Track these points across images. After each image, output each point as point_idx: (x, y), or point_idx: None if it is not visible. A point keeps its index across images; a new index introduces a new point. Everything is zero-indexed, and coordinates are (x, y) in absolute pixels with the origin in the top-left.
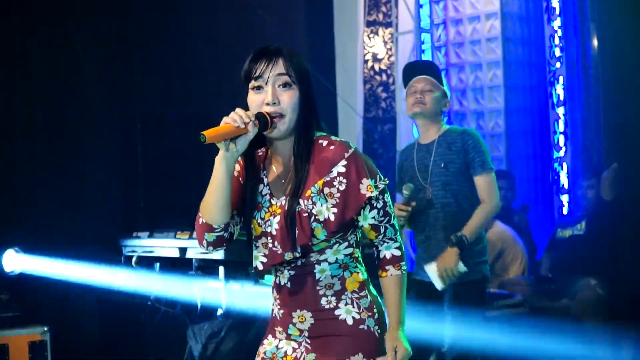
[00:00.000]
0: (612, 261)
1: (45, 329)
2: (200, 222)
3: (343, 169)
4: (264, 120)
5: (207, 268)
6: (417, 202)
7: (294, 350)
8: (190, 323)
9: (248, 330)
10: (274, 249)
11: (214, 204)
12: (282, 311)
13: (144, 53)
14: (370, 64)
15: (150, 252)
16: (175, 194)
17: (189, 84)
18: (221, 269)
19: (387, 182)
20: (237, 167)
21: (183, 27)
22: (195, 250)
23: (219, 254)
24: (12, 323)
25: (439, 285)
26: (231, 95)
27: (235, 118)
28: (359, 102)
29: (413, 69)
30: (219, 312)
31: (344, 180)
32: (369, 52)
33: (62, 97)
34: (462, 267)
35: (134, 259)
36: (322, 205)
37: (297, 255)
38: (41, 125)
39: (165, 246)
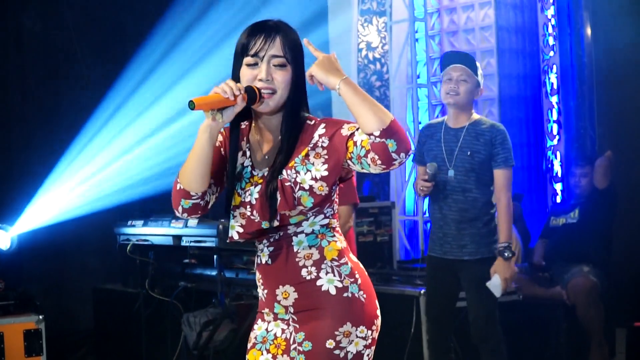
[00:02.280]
0: (605, 249)
1: (40, 317)
2: (177, 188)
3: (323, 130)
4: (252, 95)
5: (201, 256)
6: (439, 181)
7: (283, 331)
8: (184, 311)
9: (243, 318)
10: (252, 217)
11: (193, 172)
12: (266, 291)
13: (139, 41)
14: (364, 52)
15: (145, 240)
16: (170, 182)
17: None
18: (216, 257)
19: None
20: (220, 138)
21: (178, 14)
22: (190, 239)
23: (212, 242)
24: (7, 311)
25: (498, 293)
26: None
27: (225, 89)
28: None
29: (451, 57)
30: (214, 300)
31: (326, 139)
32: (363, 40)
33: (56, 84)
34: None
35: (128, 248)
36: (305, 173)
37: (276, 224)
38: (35, 113)
39: (160, 234)
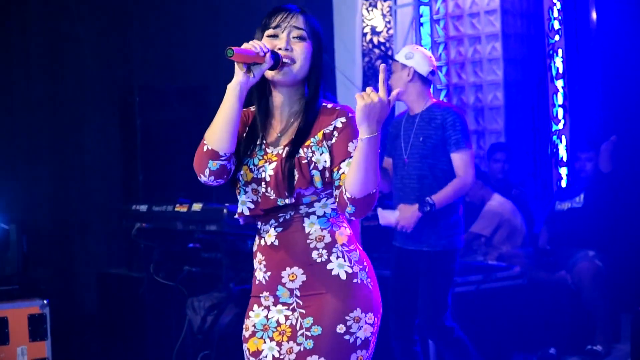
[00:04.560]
0: (610, 233)
1: (45, 302)
2: (205, 150)
3: (340, 125)
4: (276, 57)
5: (206, 240)
6: (397, 171)
7: (287, 317)
8: (189, 296)
9: (247, 302)
10: (266, 194)
11: (222, 130)
12: (269, 273)
13: (142, 26)
14: (369, 37)
15: (149, 225)
16: (174, 167)
17: (188, 57)
18: (220, 241)
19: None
20: (247, 114)
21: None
22: (195, 223)
23: (215, 226)
24: (12, 296)
25: (382, 220)
26: (230, 69)
27: (255, 45)
28: (357, 75)
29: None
30: (219, 284)
31: (336, 134)
32: (367, 25)
33: (60, 70)
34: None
35: (132, 232)
36: (321, 154)
37: (291, 201)
38: (39, 98)
39: (164, 218)
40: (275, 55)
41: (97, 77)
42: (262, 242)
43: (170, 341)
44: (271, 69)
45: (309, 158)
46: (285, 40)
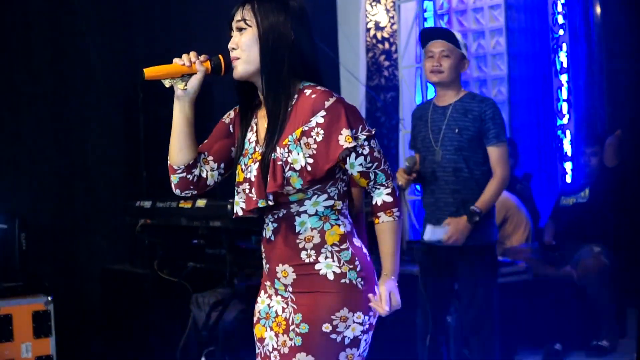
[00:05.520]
0: (615, 228)
1: (49, 298)
2: (168, 165)
3: (322, 120)
4: (216, 62)
5: (210, 237)
6: (427, 164)
7: (284, 310)
8: (193, 292)
9: (252, 298)
10: (250, 195)
11: (172, 145)
12: (267, 265)
13: (146, 22)
14: (372, 32)
15: (153, 221)
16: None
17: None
18: (225, 237)
19: (373, 131)
20: (231, 114)
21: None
22: (199, 219)
23: (219, 222)
24: (16, 293)
25: (428, 236)
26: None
27: (182, 57)
28: (361, 71)
29: (429, 33)
30: (223, 280)
31: (322, 131)
32: (371, 20)
33: (64, 66)
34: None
35: (137, 228)
36: (298, 154)
37: (270, 203)
38: (43, 95)
39: (169, 214)
40: (215, 60)
41: (100, 74)
42: (264, 234)
43: (175, 337)
44: (216, 72)
45: (284, 159)
46: (232, 40)
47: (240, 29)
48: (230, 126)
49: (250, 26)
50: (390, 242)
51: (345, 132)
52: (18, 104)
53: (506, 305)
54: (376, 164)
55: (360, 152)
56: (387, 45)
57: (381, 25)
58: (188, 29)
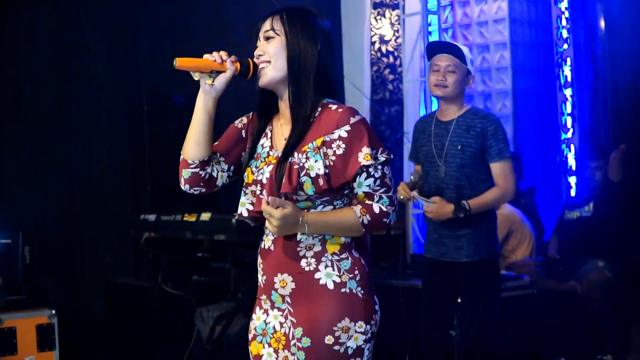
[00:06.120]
0: (620, 243)
1: (53, 312)
2: (180, 159)
3: (345, 134)
4: (245, 64)
5: (215, 250)
6: (431, 179)
7: (282, 325)
8: (197, 305)
9: None
10: (261, 196)
11: (189, 139)
12: (264, 277)
13: (150, 34)
14: (377, 45)
15: (157, 234)
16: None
17: None
18: (229, 250)
19: (391, 156)
20: (245, 120)
21: (190, 8)
22: (204, 233)
23: (223, 236)
24: (20, 306)
25: (419, 201)
26: (238, 77)
27: (214, 54)
28: (366, 84)
29: (436, 47)
30: (227, 294)
31: (343, 145)
32: (376, 34)
33: (69, 78)
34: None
35: (141, 241)
36: (316, 161)
37: None
38: (48, 107)
39: (173, 228)
40: (245, 63)
41: (105, 86)
42: (263, 245)
43: (179, 351)
44: (243, 75)
45: (301, 164)
46: (259, 47)
47: (267, 38)
48: (243, 131)
49: (278, 35)
50: (335, 215)
51: (366, 150)
52: (23, 116)
53: (510, 320)
54: (384, 189)
55: (372, 173)
56: (391, 59)
57: (386, 38)
58: (194, 42)
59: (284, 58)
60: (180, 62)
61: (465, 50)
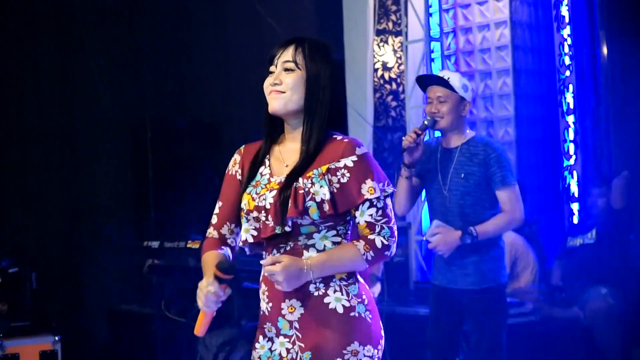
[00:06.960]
0: (623, 270)
1: (57, 338)
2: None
3: (351, 164)
4: (224, 266)
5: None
6: (437, 206)
7: (288, 351)
8: None
9: None
10: (266, 222)
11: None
12: (270, 304)
13: (154, 60)
14: (380, 72)
15: (161, 261)
16: (186, 203)
17: (199, 91)
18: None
19: (394, 189)
20: (237, 159)
21: (193, 35)
22: None
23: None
24: (24, 332)
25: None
26: (241, 103)
27: (199, 302)
28: (368, 111)
29: (424, 80)
30: (230, 321)
31: (348, 174)
32: (378, 60)
33: (73, 104)
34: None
35: (144, 268)
36: (321, 187)
37: (288, 229)
38: (52, 133)
39: (176, 255)
40: (223, 264)
41: (109, 113)
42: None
43: None
44: (226, 274)
45: (306, 189)
46: (276, 75)
47: (287, 70)
48: (237, 174)
49: (299, 69)
50: (341, 252)
51: (370, 183)
52: (27, 142)
53: (513, 347)
54: (386, 219)
55: (374, 204)
56: (394, 86)
57: (388, 65)
58: (196, 68)
59: (301, 92)
60: (202, 331)
61: (454, 77)
